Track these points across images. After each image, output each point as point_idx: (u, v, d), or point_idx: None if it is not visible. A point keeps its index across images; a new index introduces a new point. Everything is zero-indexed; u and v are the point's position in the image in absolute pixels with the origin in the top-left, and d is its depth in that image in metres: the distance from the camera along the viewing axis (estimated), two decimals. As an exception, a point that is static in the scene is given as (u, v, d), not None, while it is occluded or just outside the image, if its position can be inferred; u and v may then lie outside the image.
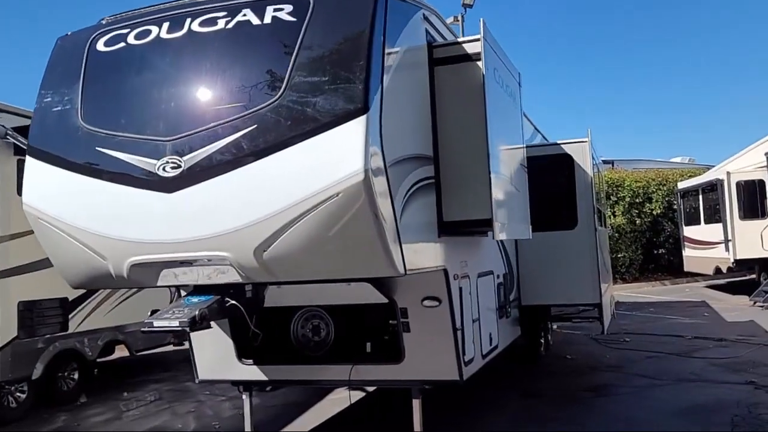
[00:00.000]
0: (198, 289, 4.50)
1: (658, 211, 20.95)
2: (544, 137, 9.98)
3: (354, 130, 3.75)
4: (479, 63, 5.02)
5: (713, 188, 17.06)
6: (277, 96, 3.91)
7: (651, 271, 21.47)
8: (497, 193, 5.11)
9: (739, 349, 9.90)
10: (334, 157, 3.78)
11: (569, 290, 8.12)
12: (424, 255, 4.82)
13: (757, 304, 14.73)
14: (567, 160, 8.18)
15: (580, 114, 67.92)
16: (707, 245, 17.59)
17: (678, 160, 32.10)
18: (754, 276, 17.31)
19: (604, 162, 26.55)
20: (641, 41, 70.31)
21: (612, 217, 20.16)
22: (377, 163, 3.84)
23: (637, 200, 20.78)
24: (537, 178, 7.77)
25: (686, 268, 19.52)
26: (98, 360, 9.41)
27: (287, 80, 3.92)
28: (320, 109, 3.83)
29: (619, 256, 20.17)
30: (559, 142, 8.41)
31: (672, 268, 21.24)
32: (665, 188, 21.24)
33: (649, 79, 73.58)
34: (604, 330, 8.21)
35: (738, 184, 16.35)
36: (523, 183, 6.48)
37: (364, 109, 3.78)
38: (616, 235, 20.09)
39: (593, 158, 8.43)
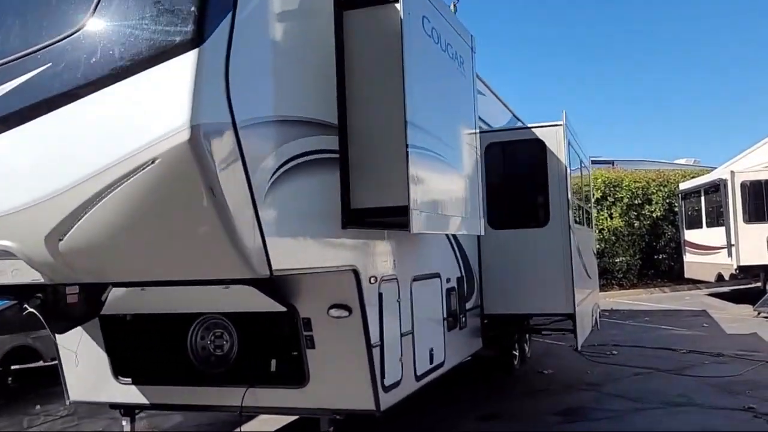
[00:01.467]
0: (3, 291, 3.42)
1: (659, 214, 19.72)
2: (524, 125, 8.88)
3: (178, 70, 2.66)
4: (398, 5, 3.91)
5: (716, 189, 15.87)
6: (80, 25, 2.82)
7: (650, 277, 20.25)
8: (420, 175, 4.01)
9: (739, 367, 8.74)
10: (150, 109, 2.69)
11: (538, 298, 7.00)
12: (316, 251, 3.73)
13: (762, 314, 13.53)
14: (538, 147, 7.06)
15: (580, 112, 66.57)
16: (709, 250, 16.40)
17: (683, 161, 30.80)
18: (759, 284, 16.13)
19: (604, 162, 25.37)
20: (646, 35, 69.12)
21: (609, 219, 19.00)
22: (217, 119, 2.75)
23: (636, 201, 19.56)
24: (503, 166, 6.72)
25: (687, 275, 18.32)
26: (18, 367, 8.42)
27: (95, 3, 2.83)
28: (136, 43, 2.74)
29: (615, 260, 18.98)
30: (529, 125, 7.29)
31: (672, 274, 20.01)
32: (666, 189, 20.01)
33: (653, 75, 72.35)
34: (578, 345, 7.08)
35: (743, 184, 15.16)
36: (474, 168, 5.37)
37: (195, 42, 2.69)
38: (613, 238, 18.91)
39: (570, 146, 7.31)
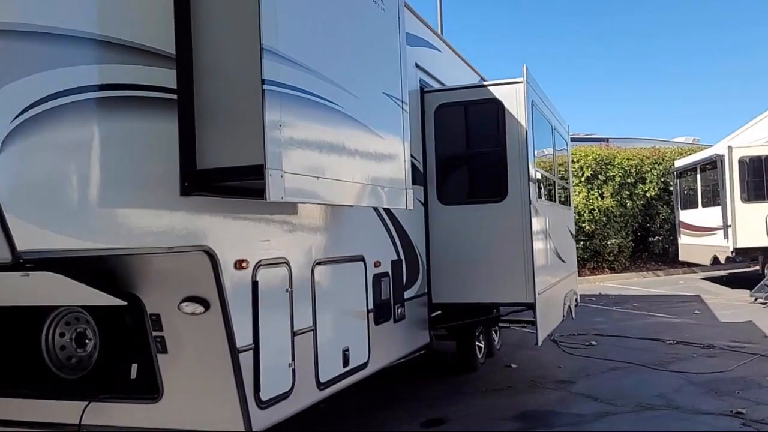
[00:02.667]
0: None
1: (653, 193, 18.66)
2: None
3: None
4: None
5: (713, 166, 14.80)
6: None
7: (643, 260, 19.25)
8: (291, 124, 3.00)
9: (729, 360, 7.80)
10: None
11: (493, 284, 6.03)
12: (132, 226, 2.73)
13: (759, 300, 12.55)
14: (495, 108, 6.03)
15: (578, 88, 65.25)
16: (704, 231, 15.40)
17: (682, 140, 29.62)
18: (757, 267, 15.16)
19: (598, 140, 24.29)
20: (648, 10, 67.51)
21: (599, 198, 17.95)
22: None
23: (629, 180, 18.48)
24: (455, 131, 5.72)
25: (681, 257, 17.34)
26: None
27: None
28: None
29: (606, 242, 17.96)
30: (485, 83, 6.25)
31: (667, 257, 19.03)
32: (661, 167, 18.93)
33: (655, 52, 70.82)
34: (538, 340, 6.09)
35: (741, 161, 14.10)
36: (397, 127, 4.36)
37: None
38: (604, 218, 17.88)
39: (535, 107, 6.28)
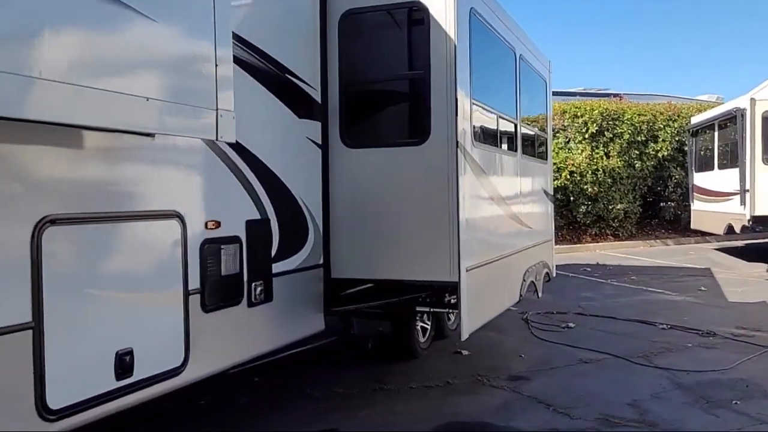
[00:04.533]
0: None
1: (665, 153, 16.79)
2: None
3: None
4: None
5: (733, 122, 12.93)
6: None
7: (652, 227, 17.53)
8: None
9: (731, 354, 6.27)
10: None
11: (407, 256, 4.48)
12: None
13: (776, 276, 10.89)
14: (419, 17, 4.39)
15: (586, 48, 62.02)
16: (720, 197, 13.64)
17: (704, 98, 27.31)
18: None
19: (610, 95, 22.22)
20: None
21: (605, 158, 16.15)
22: None
23: (639, 138, 16.60)
24: (365, 49, 4.14)
25: (693, 225, 15.61)
26: None
27: None
28: None
29: (611, 207, 16.23)
30: (403, -18, 4.59)
31: (678, 224, 17.29)
32: (676, 125, 17.01)
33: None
34: (463, 334, 4.53)
35: (765, 116, 12.24)
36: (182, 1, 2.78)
37: None
38: (609, 180, 16.12)
39: (476, 17, 4.62)
